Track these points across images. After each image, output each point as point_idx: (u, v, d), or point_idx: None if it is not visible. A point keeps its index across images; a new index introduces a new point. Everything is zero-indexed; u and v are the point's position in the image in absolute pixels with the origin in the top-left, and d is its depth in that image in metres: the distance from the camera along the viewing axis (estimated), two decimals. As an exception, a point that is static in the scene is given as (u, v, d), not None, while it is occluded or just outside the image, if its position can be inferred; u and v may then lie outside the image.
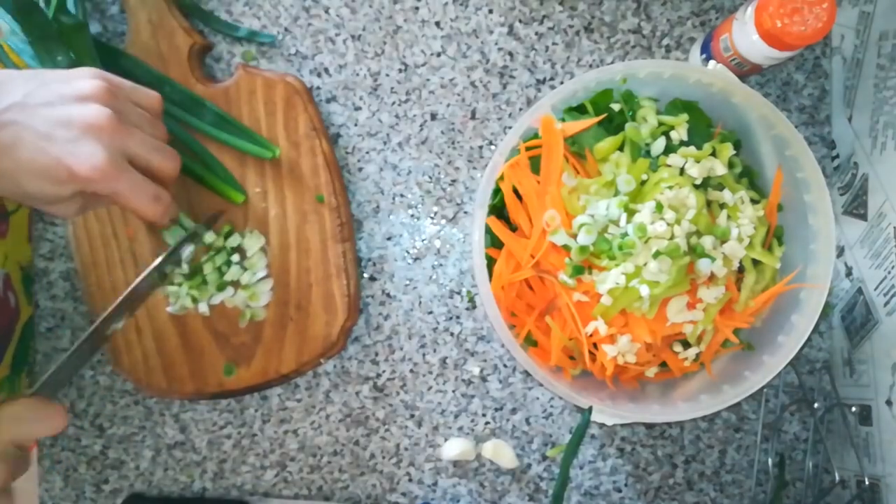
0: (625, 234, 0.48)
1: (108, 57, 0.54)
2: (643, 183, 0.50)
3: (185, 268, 0.53)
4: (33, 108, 0.40)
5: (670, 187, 0.48)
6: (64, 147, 0.40)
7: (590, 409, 0.49)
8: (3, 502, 0.42)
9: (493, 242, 0.52)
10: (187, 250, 0.52)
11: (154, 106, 0.47)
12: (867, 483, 0.54)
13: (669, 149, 0.51)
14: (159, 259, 0.48)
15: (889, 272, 0.52)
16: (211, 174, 0.54)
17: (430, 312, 0.59)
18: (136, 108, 0.45)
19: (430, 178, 0.59)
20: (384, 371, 0.58)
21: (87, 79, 0.42)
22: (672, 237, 0.48)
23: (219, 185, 0.54)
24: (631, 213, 0.48)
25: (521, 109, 0.59)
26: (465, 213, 0.59)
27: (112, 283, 0.55)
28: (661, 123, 0.52)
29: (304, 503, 0.58)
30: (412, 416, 0.58)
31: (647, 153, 0.51)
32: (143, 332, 0.55)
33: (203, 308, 0.55)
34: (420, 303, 0.58)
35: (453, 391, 0.59)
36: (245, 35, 0.58)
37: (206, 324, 0.55)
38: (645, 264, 0.47)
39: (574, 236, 0.49)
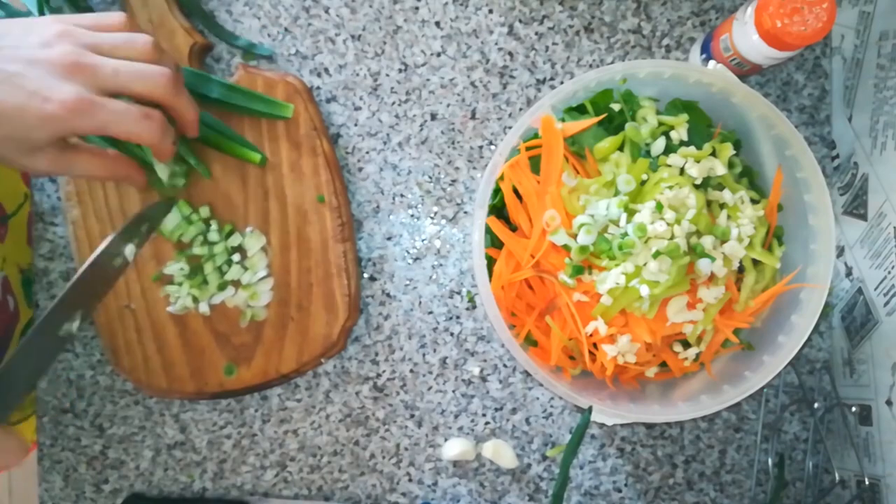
0: (625, 234, 0.48)
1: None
2: (643, 183, 0.50)
3: (135, 252, 0.48)
4: (1, 53, 0.40)
5: (670, 187, 0.48)
6: (34, 84, 0.39)
7: (590, 409, 0.49)
8: None
9: (493, 242, 0.52)
10: (144, 227, 0.48)
11: (115, 24, 0.44)
12: (867, 483, 0.54)
13: (669, 149, 0.51)
14: (109, 239, 0.44)
15: (889, 272, 0.52)
16: (227, 140, 0.54)
17: (430, 312, 0.59)
18: (106, 37, 0.43)
19: (430, 178, 0.59)
20: (384, 371, 0.58)
21: (49, 24, 0.42)
22: (672, 237, 0.48)
23: (237, 150, 0.54)
24: (631, 213, 0.48)
25: (521, 109, 0.59)
26: (465, 213, 0.59)
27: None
28: (660, 123, 0.52)
29: (304, 503, 0.58)
30: (412, 416, 0.58)
31: (647, 153, 0.51)
32: (144, 333, 0.55)
33: (204, 308, 0.55)
34: (420, 303, 0.58)
35: (453, 391, 0.59)
36: (244, 45, 0.58)
37: (206, 324, 0.55)
38: (645, 264, 0.47)
39: (574, 236, 0.49)
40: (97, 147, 0.47)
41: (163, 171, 0.52)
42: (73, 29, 0.42)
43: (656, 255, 0.47)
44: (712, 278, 0.50)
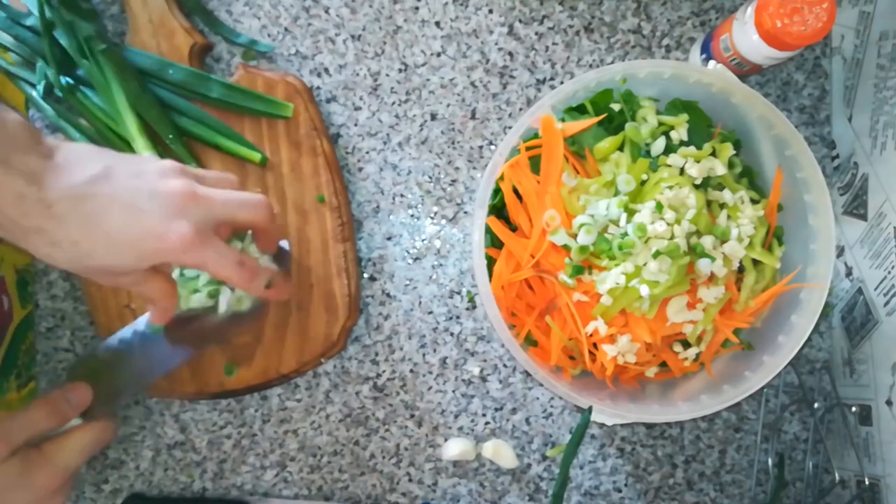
0: (625, 234, 0.48)
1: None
2: (643, 183, 0.50)
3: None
4: (118, 180, 0.40)
5: (670, 187, 0.49)
6: (154, 220, 0.40)
7: (590, 409, 0.49)
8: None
9: (493, 242, 0.52)
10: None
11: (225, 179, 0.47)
12: (867, 483, 0.54)
13: (669, 149, 0.51)
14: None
15: (889, 272, 0.52)
16: (227, 140, 0.54)
17: (430, 312, 0.59)
18: (208, 174, 0.46)
19: (430, 178, 0.59)
20: (384, 371, 0.58)
21: (156, 159, 0.44)
22: (672, 237, 0.48)
23: (236, 149, 0.54)
24: (631, 213, 0.48)
25: (521, 109, 0.59)
26: (465, 213, 0.59)
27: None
28: (660, 123, 0.52)
29: (305, 503, 0.58)
30: (412, 416, 0.58)
31: (647, 153, 0.51)
32: (144, 332, 0.55)
33: (223, 307, 0.54)
34: (420, 303, 0.59)
35: (453, 391, 0.59)
36: (245, 42, 0.58)
37: (206, 324, 0.55)
38: (645, 264, 0.47)
39: (574, 236, 0.49)
40: (167, 276, 0.48)
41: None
42: (183, 165, 0.44)
43: (656, 254, 0.47)
44: (712, 278, 0.50)
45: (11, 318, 0.59)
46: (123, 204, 0.40)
